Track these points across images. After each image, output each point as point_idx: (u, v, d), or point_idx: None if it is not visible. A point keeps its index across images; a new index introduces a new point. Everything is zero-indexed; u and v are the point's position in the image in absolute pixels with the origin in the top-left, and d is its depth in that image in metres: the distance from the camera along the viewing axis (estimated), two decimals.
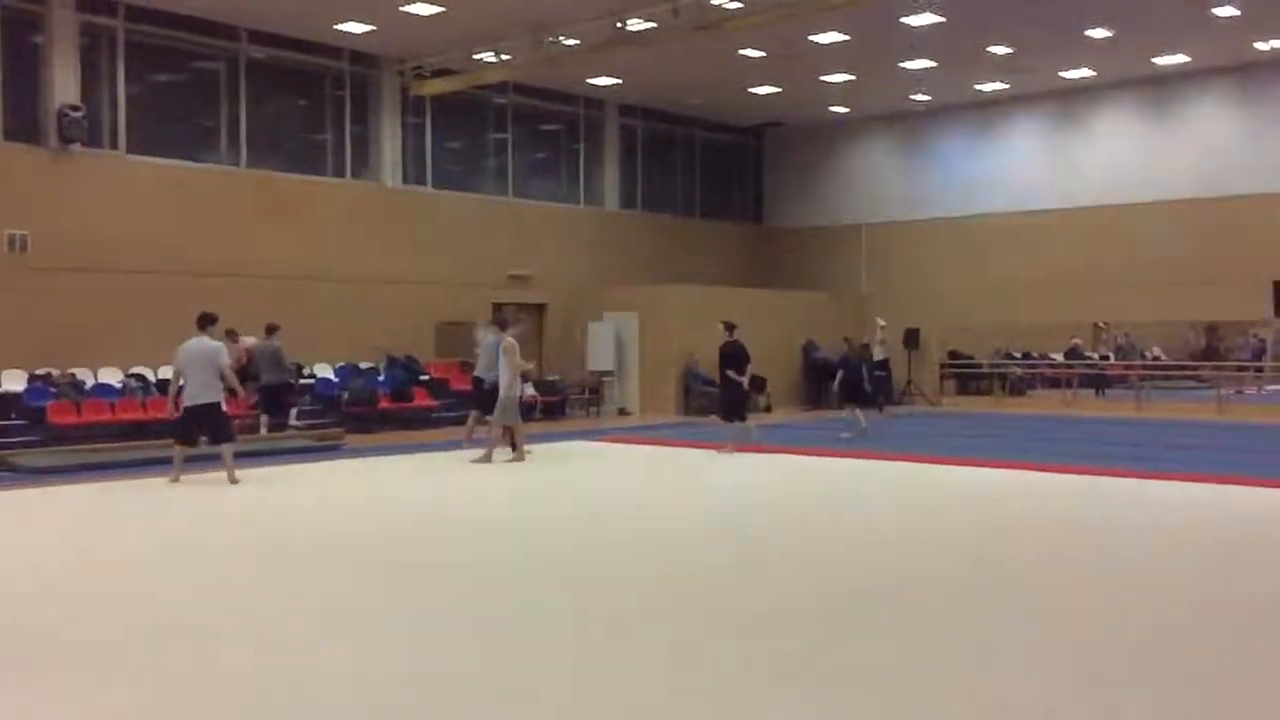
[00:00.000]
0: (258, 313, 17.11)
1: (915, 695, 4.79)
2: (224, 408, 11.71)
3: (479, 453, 13.63)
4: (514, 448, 13.62)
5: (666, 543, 8.55)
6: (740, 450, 14.29)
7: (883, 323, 22.00)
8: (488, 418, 14.23)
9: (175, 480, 11.49)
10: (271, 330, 15.86)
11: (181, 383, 11.63)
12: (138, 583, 7.18)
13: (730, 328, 14.89)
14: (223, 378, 11.59)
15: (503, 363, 13.54)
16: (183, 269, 17.27)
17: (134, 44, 17.54)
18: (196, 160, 18.36)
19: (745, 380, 14.82)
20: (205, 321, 11.75)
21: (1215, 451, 14.62)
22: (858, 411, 16.85)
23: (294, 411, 16.59)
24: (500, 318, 15.32)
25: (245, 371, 16.38)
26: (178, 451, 11.62)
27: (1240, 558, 7.86)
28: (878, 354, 21.52)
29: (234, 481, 11.48)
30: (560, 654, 5.47)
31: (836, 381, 17.66)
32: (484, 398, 14.53)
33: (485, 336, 15.34)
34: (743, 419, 14.70)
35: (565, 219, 23.63)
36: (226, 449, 11.62)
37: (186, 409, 11.46)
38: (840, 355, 18.45)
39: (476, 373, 15.27)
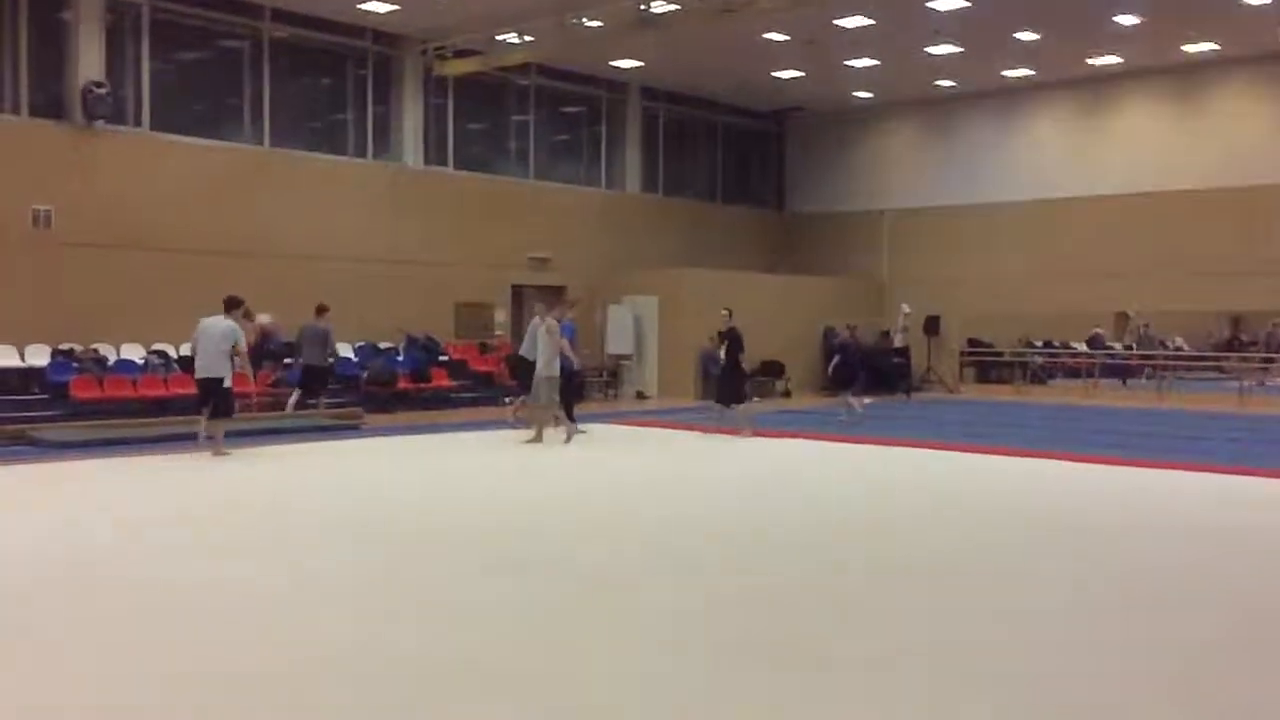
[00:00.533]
0: (278, 291, 17.21)
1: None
2: (227, 384, 12.05)
3: (529, 433, 13.88)
4: (560, 424, 13.95)
5: (662, 525, 8.56)
6: (757, 434, 14.40)
7: (908, 309, 21.64)
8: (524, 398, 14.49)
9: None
10: (321, 311, 15.98)
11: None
12: (133, 553, 7.24)
13: (730, 314, 15.23)
14: (234, 358, 12.00)
15: (543, 343, 13.72)
16: (205, 246, 17.35)
17: (159, 21, 17.59)
18: (220, 138, 18.41)
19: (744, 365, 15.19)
20: (230, 305, 12.23)
21: (1227, 443, 14.48)
22: (850, 398, 16.92)
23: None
24: (550, 301, 15.54)
25: (260, 350, 16.48)
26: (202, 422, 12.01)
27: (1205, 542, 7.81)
28: (899, 340, 21.28)
29: (220, 455, 11.90)
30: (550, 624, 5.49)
31: (830, 366, 17.85)
32: (528, 378, 14.81)
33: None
34: (741, 403, 15.01)
35: (586, 202, 23.60)
36: (219, 425, 12.09)
37: (195, 380, 11.83)
38: (839, 341, 18.43)
39: (521, 352, 15.28)
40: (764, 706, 4.43)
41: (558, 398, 13.88)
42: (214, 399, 12.06)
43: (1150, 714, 4.50)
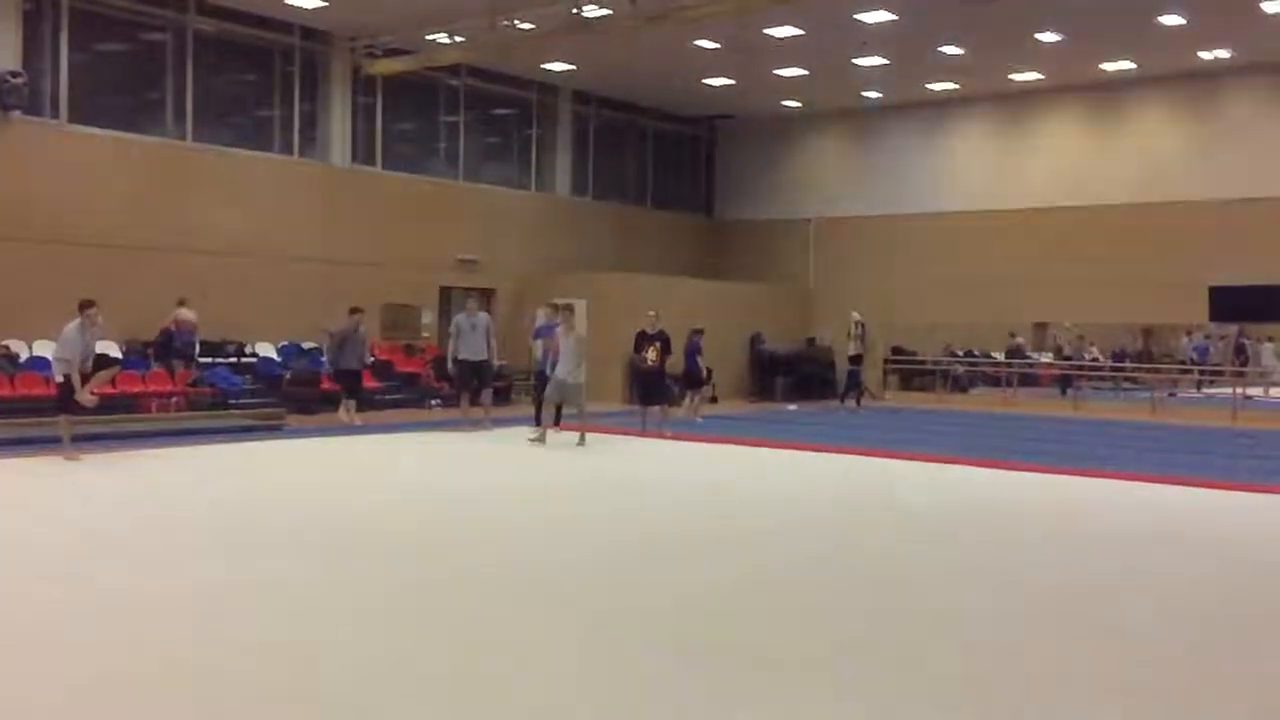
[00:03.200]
0: (199, 289, 16.91)
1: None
2: (57, 380, 11.70)
3: (536, 431, 14.11)
4: (548, 424, 14.09)
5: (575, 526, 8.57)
6: (671, 436, 14.69)
7: (858, 316, 21.34)
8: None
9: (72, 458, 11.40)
10: (355, 312, 15.82)
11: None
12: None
13: (656, 315, 15.84)
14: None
15: (571, 351, 13.80)
16: (124, 242, 16.96)
17: (79, 10, 17.16)
18: (141, 132, 18.03)
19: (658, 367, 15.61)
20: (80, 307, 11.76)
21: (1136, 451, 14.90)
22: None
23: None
24: (556, 304, 15.87)
25: (167, 345, 16.23)
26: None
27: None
28: (853, 349, 21.19)
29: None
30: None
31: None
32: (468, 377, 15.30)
33: (540, 319, 15.90)
34: (662, 404, 15.37)
35: (516, 204, 23.54)
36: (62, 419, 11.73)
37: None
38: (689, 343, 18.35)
39: (461, 356, 15.26)
40: (704, 705, 4.46)
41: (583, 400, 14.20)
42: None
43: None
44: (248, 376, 17.57)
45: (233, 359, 17.94)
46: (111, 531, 8.01)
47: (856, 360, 20.92)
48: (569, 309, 14.88)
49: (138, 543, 7.58)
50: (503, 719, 4.35)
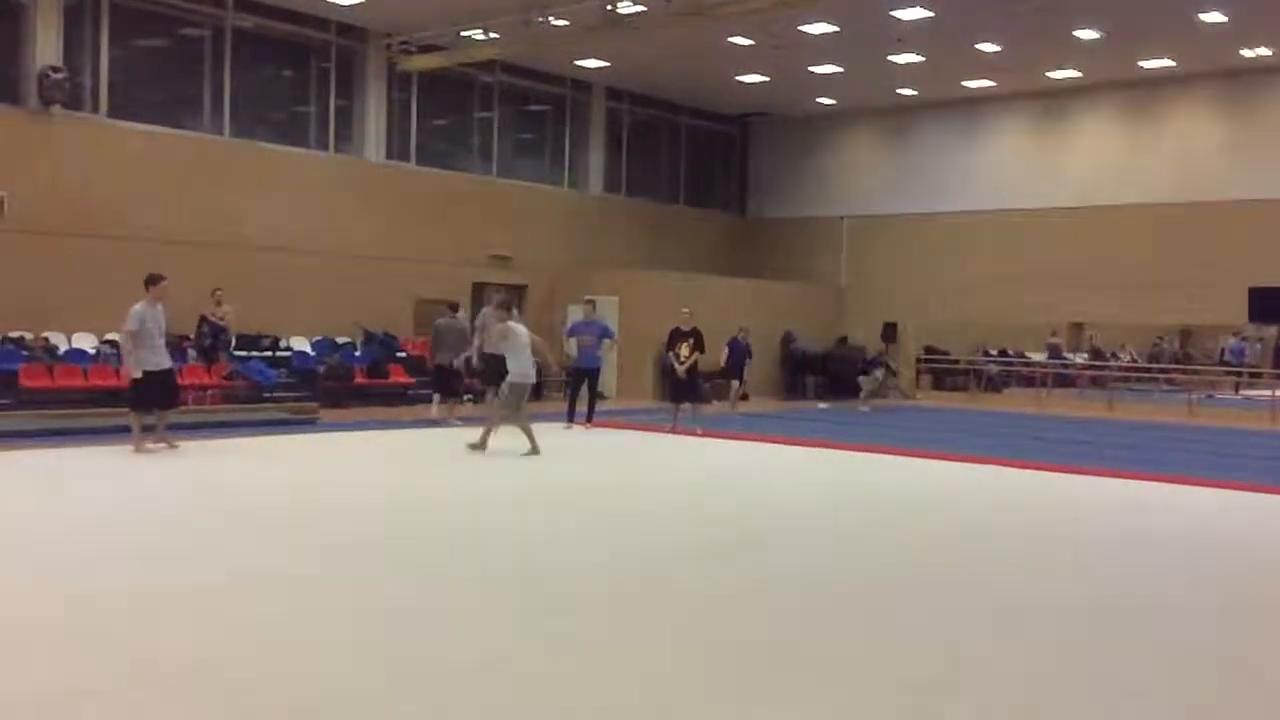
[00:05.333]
0: (235, 282, 17.04)
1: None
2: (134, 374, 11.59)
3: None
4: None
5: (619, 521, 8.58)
6: (702, 434, 14.67)
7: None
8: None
9: (139, 449, 11.43)
10: (455, 308, 16.04)
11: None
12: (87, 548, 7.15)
13: (690, 313, 15.81)
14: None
15: (515, 344, 12.57)
16: (161, 236, 17.12)
17: (119, 6, 17.36)
18: (179, 127, 18.22)
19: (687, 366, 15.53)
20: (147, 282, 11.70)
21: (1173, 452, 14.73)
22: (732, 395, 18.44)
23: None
24: (592, 301, 16.08)
25: (214, 339, 16.39)
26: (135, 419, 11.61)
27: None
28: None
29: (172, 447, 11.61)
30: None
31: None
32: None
33: (576, 314, 16.11)
34: (693, 402, 15.40)
35: (548, 201, 23.58)
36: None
37: (146, 373, 11.47)
38: (730, 339, 18.37)
39: (487, 349, 15.21)
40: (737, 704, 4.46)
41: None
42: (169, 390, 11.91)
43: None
44: (282, 370, 17.71)
45: (268, 353, 18.08)
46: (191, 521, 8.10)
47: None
48: (504, 306, 13.47)
49: (205, 532, 7.66)
50: (533, 715, 4.36)
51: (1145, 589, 6.78)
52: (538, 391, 20.13)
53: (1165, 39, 19.58)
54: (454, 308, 16.64)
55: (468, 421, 15.36)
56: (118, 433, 12.21)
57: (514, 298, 19.20)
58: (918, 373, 24.63)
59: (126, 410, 11.75)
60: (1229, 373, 23.96)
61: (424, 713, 4.27)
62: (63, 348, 16.18)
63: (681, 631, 5.52)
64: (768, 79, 23.02)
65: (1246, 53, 20.07)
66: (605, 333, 16.04)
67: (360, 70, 20.47)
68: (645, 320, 21.69)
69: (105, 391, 15.33)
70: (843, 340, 25.15)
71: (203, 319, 16.60)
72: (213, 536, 7.50)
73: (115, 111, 17.39)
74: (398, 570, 6.65)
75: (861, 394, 20.93)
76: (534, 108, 23.93)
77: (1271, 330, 22.83)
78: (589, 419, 15.45)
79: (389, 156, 20.89)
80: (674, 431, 15.13)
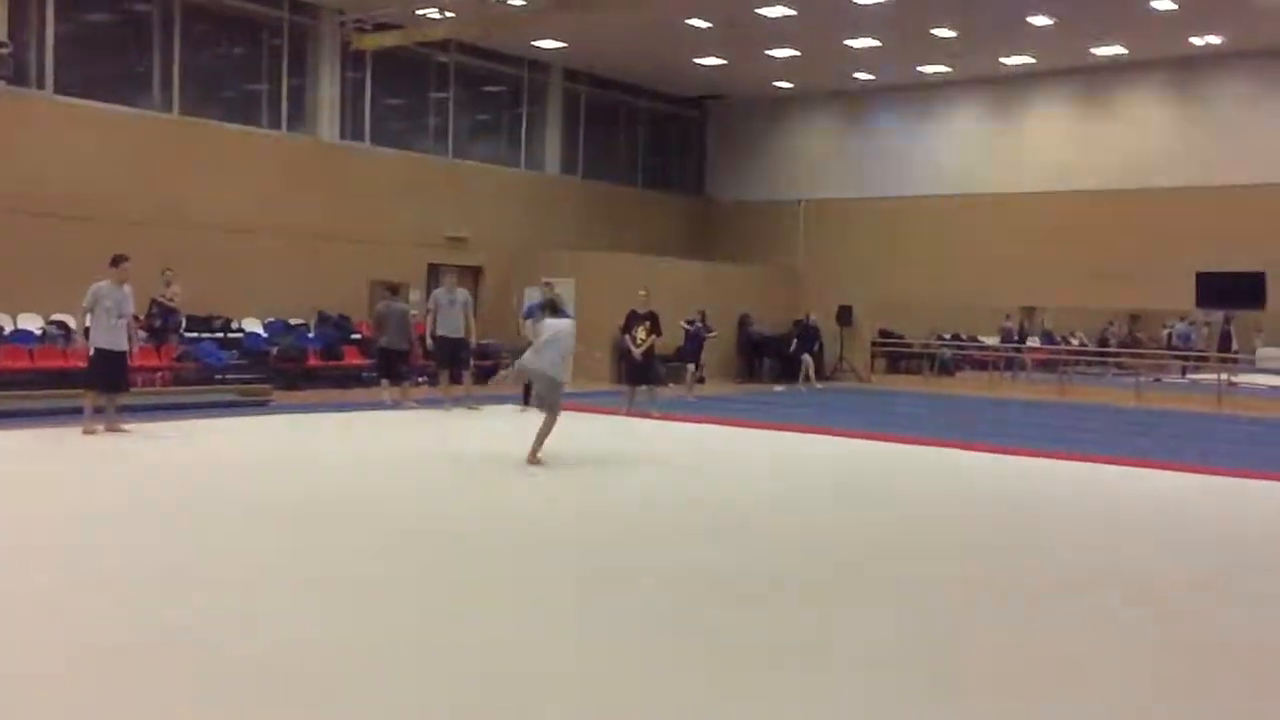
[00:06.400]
0: (185, 263, 16.82)
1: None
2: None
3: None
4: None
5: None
6: (658, 417, 14.69)
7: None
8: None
9: (87, 431, 11.27)
10: (396, 290, 15.79)
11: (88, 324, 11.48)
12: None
13: (648, 294, 15.89)
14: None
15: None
16: (108, 215, 16.84)
17: None
18: (127, 104, 17.91)
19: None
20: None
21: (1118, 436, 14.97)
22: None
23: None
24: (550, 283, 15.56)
25: (165, 320, 16.20)
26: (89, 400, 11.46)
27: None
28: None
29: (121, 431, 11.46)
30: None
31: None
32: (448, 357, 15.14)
33: (532, 296, 15.82)
34: (650, 384, 15.44)
35: (505, 182, 23.46)
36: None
37: (97, 351, 11.32)
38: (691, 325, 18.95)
39: (441, 331, 15.12)
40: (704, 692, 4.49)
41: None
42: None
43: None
44: (234, 352, 17.53)
45: (219, 334, 17.88)
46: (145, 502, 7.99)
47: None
48: (550, 305, 13.41)
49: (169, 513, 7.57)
50: (507, 688, 4.37)
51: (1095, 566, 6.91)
52: (492, 372, 20.17)
53: (1117, 26, 19.79)
54: (394, 290, 16.52)
55: (423, 403, 15.30)
56: (65, 414, 12.03)
57: (465, 280, 19.10)
58: (872, 356, 24.83)
59: (78, 391, 11.60)
60: (1176, 357, 24.36)
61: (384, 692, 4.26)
62: (7, 329, 15.89)
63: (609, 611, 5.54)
64: (725, 62, 23.02)
65: (1196, 40, 20.34)
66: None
67: (313, 48, 20.22)
68: (602, 302, 21.67)
69: (51, 373, 15.10)
70: (798, 323, 25.27)
71: (153, 301, 16.36)
72: (156, 523, 7.42)
73: (62, 88, 17.05)
74: (347, 556, 6.63)
75: (801, 373, 21.24)
76: (490, 88, 23.77)
77: (1218, 315, 23.22)
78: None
79: (343, 136, 20.67)
80: (630, 414, 15.13)
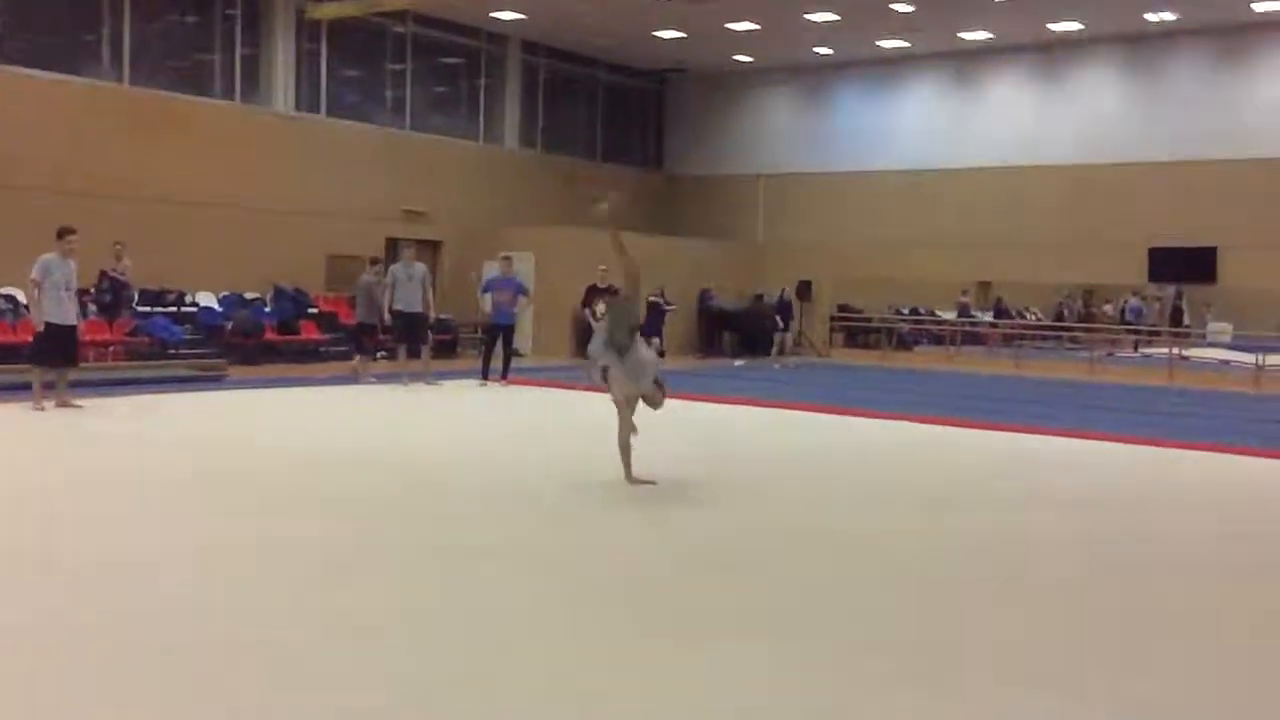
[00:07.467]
0: (137, 236, 16.55)
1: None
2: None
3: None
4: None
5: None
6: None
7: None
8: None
9: (36, 407, 11.09)
10: (376, 262, 15.58)
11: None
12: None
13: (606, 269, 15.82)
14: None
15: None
16: (57, 187, 16.52)
17: None
18: (76, 74, 17.55)
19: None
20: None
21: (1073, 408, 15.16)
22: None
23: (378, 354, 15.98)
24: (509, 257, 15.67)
25: (115, 294, 15.95)
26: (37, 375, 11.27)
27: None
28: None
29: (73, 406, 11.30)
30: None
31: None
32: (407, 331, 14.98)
33: (492, 270, 15.75)
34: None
35: (463, 155, 23.28)
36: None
37: (47, 325, 11.13)
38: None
39: (398, 305, 14.95)
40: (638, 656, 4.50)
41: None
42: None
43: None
44: (188, 326, 17.31)
45: (173, 308, 17.65)
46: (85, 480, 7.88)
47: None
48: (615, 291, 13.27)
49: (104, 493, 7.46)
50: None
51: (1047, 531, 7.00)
52: (452, 347, 20.09)
53: (1073, 2, 19.92)
54: (374, 262, 16.29)
55: (382, 378, 15.19)
56: (14, 390, 11.81)
57: (422, 253, 18.90)
58: (831, 330, 24.96)
59: (26, 367, 11.39)
60: (1129, 331, 24.69)
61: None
62: None
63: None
64: (685, 35, 22.94)
65: (1151, 17, 20.54)
66: (521, 289, 15.90)
67: (268, 17, 19.90)
68: (561, 277, 21.61)
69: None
70: (759, 298, 25.33)
71: (103, 274, 16.09)
72: (109, 498, 7.33)
73: (7, 57, 16.67)
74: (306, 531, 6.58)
75: (773, 350, 21.24)
76: (448, 60, 23.54)
77: (1170, 290, 23.56)
78: (504, 376, 15.37)
79: (298, 107, 20.40)
80: (590, 389, 15.08)
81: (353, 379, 14.96)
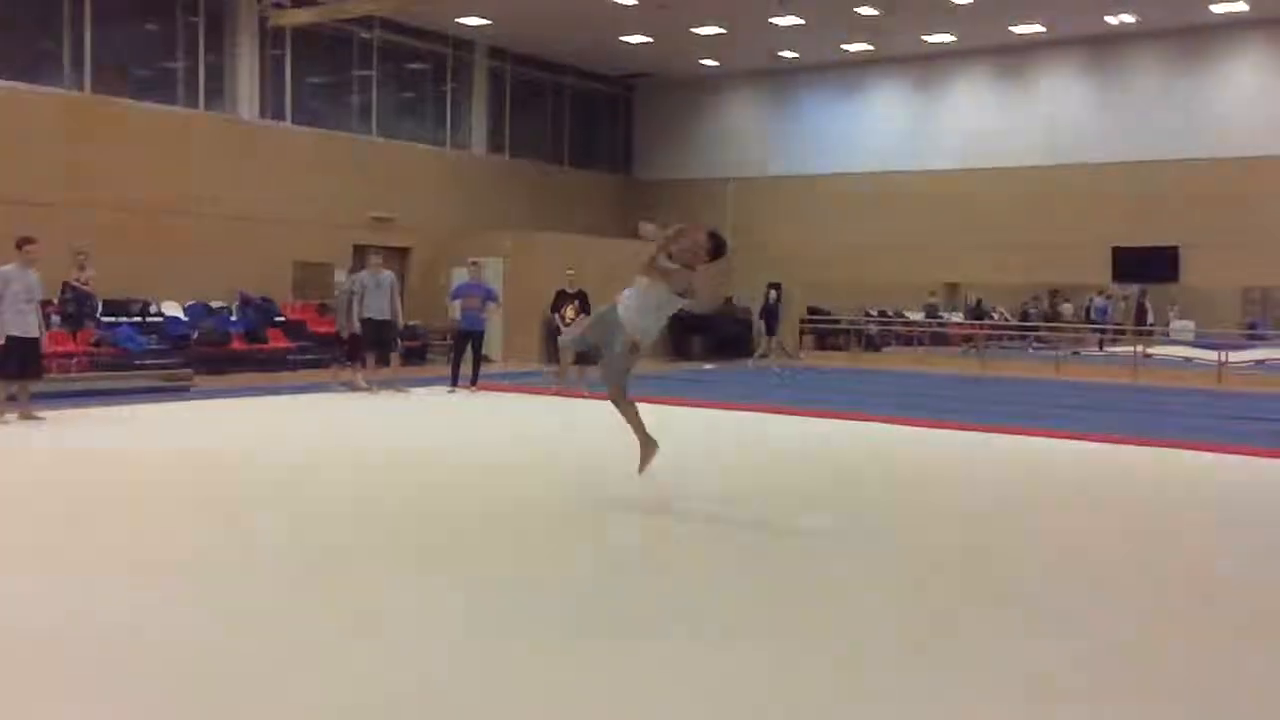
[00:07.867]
0: (101, 245, 16.41)
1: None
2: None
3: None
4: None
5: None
6: (589, 395, 14.59)
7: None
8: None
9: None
10: (354, 271, 15.49)
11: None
12: None
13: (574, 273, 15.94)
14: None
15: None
16: (19, 197, 16.33)
17: None
18: (37, 83, 17.38)
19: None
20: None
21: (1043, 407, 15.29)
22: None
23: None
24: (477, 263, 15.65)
25: (79, 305, 15.80)
26: None
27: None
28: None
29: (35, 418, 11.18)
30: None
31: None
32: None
33: (460, 277, 15.73)
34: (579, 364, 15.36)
35: (431, 162, 23.22)
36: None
37: (9, 338, 11.00)
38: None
39: (369, 314, 14.83)
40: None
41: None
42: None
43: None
44: (153, 336, 17.15)
45: (138, 318, 17.48)
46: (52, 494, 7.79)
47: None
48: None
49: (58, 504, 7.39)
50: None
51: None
52: (421, 354, 20.02)
53: (1035, 4, 20.12)
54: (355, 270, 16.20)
55: (348, 386, 15.11)
56: None
57: (389, 259, 18.82)
58: (801, 333, 25.05)
59: None
60: (1094, 330, 24.93)
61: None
62: None
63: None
64: (651, 40, 23.00)
65: (1111, 19, 20.77)
66: (490, 295, 15.87)
67: (231, 24, 19.79)
68: (530, 282, 21.58)
69: None
70: (728, 301, 25.43)
71: (66, 284, 15.93)
72: (73, 510, 7.25)
73: None
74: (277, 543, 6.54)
75: (756, 353, 21.23)
76: (414, 66, 23.48)
77: (1133, 289, 23.81)
78: (474, 382, 15.33)
79: (263, 115, 20.29)
80: (559, 393, 15.08)
81: (349, 386, 14.85)
